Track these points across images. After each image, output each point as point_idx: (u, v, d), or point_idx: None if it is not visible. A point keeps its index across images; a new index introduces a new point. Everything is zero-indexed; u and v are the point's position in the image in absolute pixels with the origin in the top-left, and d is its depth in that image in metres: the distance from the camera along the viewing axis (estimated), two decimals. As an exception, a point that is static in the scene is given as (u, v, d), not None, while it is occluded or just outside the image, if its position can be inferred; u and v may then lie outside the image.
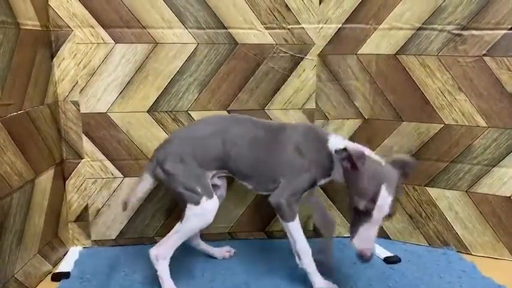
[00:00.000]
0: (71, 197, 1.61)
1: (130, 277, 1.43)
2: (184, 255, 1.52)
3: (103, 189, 1.62)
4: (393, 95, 1.62)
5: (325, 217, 1.50)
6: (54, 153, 1.51)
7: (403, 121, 1.63)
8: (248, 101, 1.62)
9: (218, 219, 1.67)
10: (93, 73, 1.53)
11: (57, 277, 1.43)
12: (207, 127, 1.38)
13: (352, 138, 1.67)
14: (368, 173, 1.15)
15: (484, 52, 1.50)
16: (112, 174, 1.61)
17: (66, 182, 1.59)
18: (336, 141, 1.29)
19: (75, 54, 1.52)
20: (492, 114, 1.53)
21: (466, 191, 1.60)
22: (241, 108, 1.61)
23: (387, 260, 1.55)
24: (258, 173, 1.35)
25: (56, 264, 1.52)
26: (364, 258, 1.15)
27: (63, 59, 1.51)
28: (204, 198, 1.27)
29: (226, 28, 1.55)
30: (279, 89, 1.63)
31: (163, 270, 1.30)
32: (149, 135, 1.60)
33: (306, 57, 1.61)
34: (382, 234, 1.72)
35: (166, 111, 1.59)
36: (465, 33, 1.50)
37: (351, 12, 1.58)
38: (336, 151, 1.23)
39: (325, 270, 1.34)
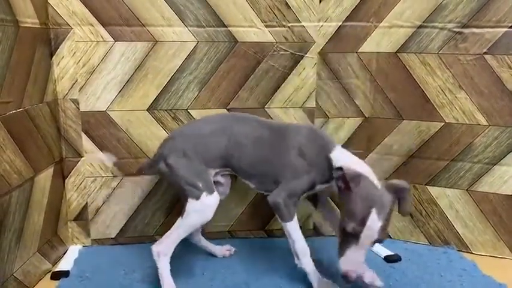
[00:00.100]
0: (70, 196, 1.61)
1: (130, 276, 1.43)
2: (184, 254, 1.52)
3: (103, 188, 1.61)
4: (394, 93, 1.62)
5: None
6: (53, 151, 1.51)
7: (403, 119, 1.62)
8: (248, 99, 1.62)
9: (218, 217, 1.67)
10: (93, 71, 1.53)
11: (57, 276, 1.43)
12: (211, 125, 1.38)
13: (352, 137, 1.68)
14: (360, 195, 1.14)
15: (484, 50, 1.49)
16: (112, 172, 1.61)
17: (66, 181, 1.59)
18: (340, 156, 1.28)
19: (75, 52, 1.51)
20: (493, 112, 1.52)
21: (467, 190, 1.59)
22: (241, 107, 1.61)
23: (388, 259, 1.55)
24: (261, 172, 1.35)
25: (55, 263, 1.51)
26: (347, 279, 1.15)
27: (63, 57, 1.51)
28: (204, 194, 1.27)
29: (226, 26, 1.54)
30: (279, 87, 1.62)
31: (164, 267, 1.30)
32: (149, 134, 1.59)
33: (306, 55, 1.60)
34: (383, 233, 1.72)
35: (166, 110, 1.59)
36: (466, 31, 1.50)
37: (351, 10, 1.57)
38: (334, 169, 1.23)
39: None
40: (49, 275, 1.44)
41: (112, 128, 1.57)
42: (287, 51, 1.59)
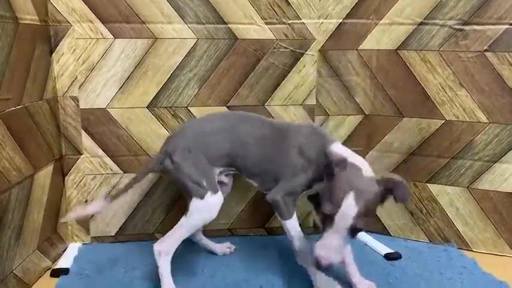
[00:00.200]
0: (70, 193, 1.60)
1: (129, 273, 1.43)
2: (184, 251, 1.51)
3: (102, 185, 1.61)
4: (394, 90, 1.61)
5: None
6: (53, 148, 1.51)
7: (403, 117, 1.62)
8: (248, 96, 1.61)
9: (218, 215, 1.66)
10: (93, 68, 1.53)
11: (56, 273, 1.42)
12: (216, 123, 1.37)
13: (352, 134, 1.68)
14: (342, 178, 1.12)
15: (485, 47, 1.49)
16: (111, 170, 1.61)
17: (66, 178, 1.59)
18: (336, 151, 1.27)
19: (74, 50, 1.51)
20: (493, 109, 1.52)
21: (467, 187, 1.59)
22: (241, 104, 1.61)
23: (388, 257, 1.54)
24: (263, 171, 1.34)
25: (55, 260, 1.51)
26: (318, 264, 1.11)
27: (62, 54, 1.51)
28: (209, 193, 1.27)
29: (226, 23, 1.54)
30: (279, 85, 1.62)
31: (164, 266, 1.29)
32: (149, 131, 1.59)
33: (307, 52, 1.60)
34: (383, 231, 1.72)
35: (165, 107, 1.58)
36: (467, 28, 1.49)
37: (352, 7, 1.57)
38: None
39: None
40: (49, 272, 1.44)
41: (112, 126, 1.57)
42: (287, 48, 1.58)
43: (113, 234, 1.66)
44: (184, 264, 1.46)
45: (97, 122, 1.56)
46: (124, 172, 1.61)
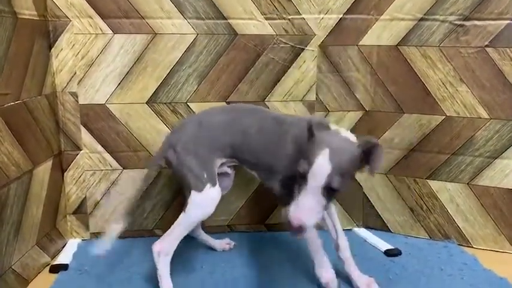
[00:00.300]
0: (69, 189, 1.60)
1: (129, 269, 1.42)
2: (183, 247, 1.50)
3: (102, 181, 1.61)
4: (394, 86, 1.61)
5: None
6: (52, 144, 1.50)
7: (404, 113, 1.61)
8: (248, 92, 1.61)
9: (218, 211, 1.65)
10: (92, 64, 1.52)
11: (56, 269, 1.42)
12: (220, 115, 1.37)
13: (352, 131, 1.64)
14: (319, 138, 1.09)
15: (486, 43, 1.48)
16: (111, 166, 1.60)
17: (65, 174, 1.58)
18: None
19: (74, 45, 1.50)
20: (494, 105, 1.51)
21: (468, 184, 1.58)
22: (241, 100, 1.60)
23: (388, 253, 1.54)
24: (263, 162, 1.34)
25: (54, 256, 1.51)
26: (289, 226, 1.04)
27: (61, 49, 1.50)
28: (208, 185, 1.26)
29: (225, 18, 1.53)
30: (279, 81, 1.61)
31: (163, 268, 1.26)
32: (148, 127, 1.59)
33: (307, 48, 1.59)
34: (383, 227, 1.72)
35: (165, 103, 1.58)
36: (467, 23, 1.48)
37: (352, 2, 1.56)
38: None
39: None
40: (48, 268, 1.44)
41: (111, 121, 1.57)
42: (287, 44, 1.58)
43: (112, 231, 1.65)
44: (184, 260, 1.46)
45: (96, 118, 1.56)
46: (123, 168, 1.60)
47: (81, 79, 1.53)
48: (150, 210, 1.65)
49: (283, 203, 1.23)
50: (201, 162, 1.28)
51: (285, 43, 1.58)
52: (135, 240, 1.62)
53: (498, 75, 1.49)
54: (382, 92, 1.62)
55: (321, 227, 1.69)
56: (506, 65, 1.47)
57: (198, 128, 1.32)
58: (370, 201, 1.72)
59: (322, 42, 1.59)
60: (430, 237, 1.66)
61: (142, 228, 1.66)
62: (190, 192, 1.27)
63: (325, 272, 1.28)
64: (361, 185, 1.72)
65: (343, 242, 1.33)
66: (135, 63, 1.53)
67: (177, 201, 1.62)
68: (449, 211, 1.62)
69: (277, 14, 1.55)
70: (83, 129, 1.56)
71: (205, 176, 1.26)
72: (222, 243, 1.57)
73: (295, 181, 1.10)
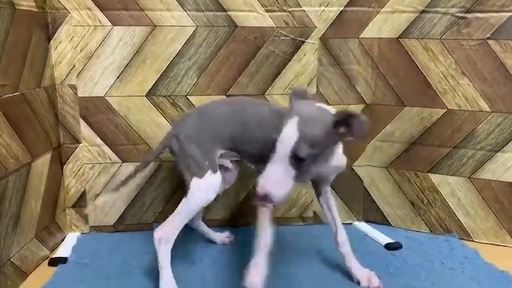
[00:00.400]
0: (68, 182, 1.59)
1: (128, 263, 1.42)
2: (184, 240, 1.50)
3: (101, 175, 1.60)
4: (395, 79, 1.60)
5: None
6: (51, 137, 1.49)
7: (405, 106, 1.60)
8: (248, 85, 1.60)
9: (218, 205, 1.66)
10: (91, 56, 1.51)
11: (55, 262, 1.42)
12: (224, 107, 1.37)
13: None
14: (293, 108, 1.07)
15: (488, 35, 1.47)
16: (110, 159, 1.59)
17: (64, 167, 1.58)
18: None
19: (72, 37, 1.49)
20: (496, 98, 1.50)
21: (469, 177, 1.58)
22: (241, 93, 1.59)
23: (388, 247, 1.53)
24: (262, 155, 1.33)
25: (53, 249, 1.50)
26: (256, 194, 1.02)
27: (60, 41, 1.49)
28: (209, 172, 1.26)
29: (225, 10, 1.52)
30: (279, 74, 1.60)
31: (164, 256, 1.25)
32: (147, 120, 1.58)
33: (307, 40, 1.58)
34: (384, 221, 1.71)
35: (164, 96, 1.57)
36: (469, 16, 1.47)
37: (353, -6, 1.55)
38: None
39: None
40: (47, 261, 1.43)
41: (110, 114, 1.56)
42: (288, 36, 1.57)
43: (112, 224, 1.65)
44: (184, 253, 1.45)
45: (95, 111, 1.55)
46: (123, 161, 1.60)
47: (80, 72, 1.52)
48: (150, 204, 1.65)
49: None
50: (203, 151, 1.28)
51: (286, 36, 1.57)
52: (135, 233, 1.62)
53: (500, 68, 1.48)
54: (383, 85, 1.61)
55: (321, 220, 1.70)
56: (508, 57, 1.46)
57: (201, 119, 1.32)
58: (370, 195, 1.72)
59: (322, 34, 1.58)
60: (431, 231, 1.65)
61: (142, 222, 1.65)
62: (191, 179, 1.27)
63: (256, 275, 1.16)
64: (361, 179, 1.71)
65: (343, 237, 1.32)
66: (134, 55, 1.52)
67: (177, 195, 1.61)
68: (450, 205, 1.61)
69: (277, 6, 1.54)
70: (82, 122, 1.55)
71: (206, 163, 1.27)
72: (222, 236, 1.57)
73: None
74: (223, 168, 1.36)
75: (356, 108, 1.64)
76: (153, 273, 1.31)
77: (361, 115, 1.03)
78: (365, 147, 1.68)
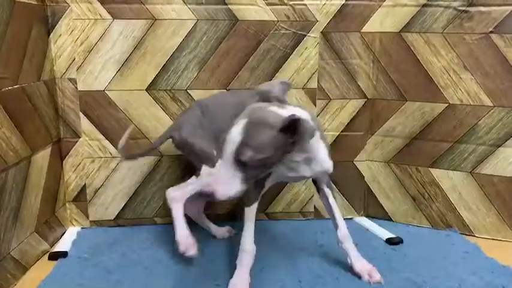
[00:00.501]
0: (68, 177, 1.59)
1: (128, 257, 1.41)
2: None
3: (101, 169, 1.60)
4: (397, 74, 1.59)
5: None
6: (51, 131, 1.49)
7: (406, 101, 1.59)
8: (249, 79, 1.59)
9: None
10: (91, 50, 1.51)
11: (55, 256, 1.41)
12: (230, 98, 1.38)
13: (354, 119, 1.65)
14: (246, 111, 1.04)
15: (490, 29, 1.46)
16: (110, 153, 1.59)
17: (64, 161, 1.57)
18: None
19: (72, 31, 1.49)
20: (498, 93, 1.49)
21: (470, 172, 1.57)
22: (242, 88, 1.58)
23: (389, 241, 1.53)
24: None
25: (53, 243, 1.50)
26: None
27: (60, 35, 1.48)
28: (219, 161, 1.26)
29: (226, 4, 1.51)
30: (280, 68, 1.59)
31: (176, 210, 1.35)
32: (147, 114, 1.57)
33: (308, 34, 1.57)
34: (385, 216, 1.70)
35: (165, 90, 1.56)
36: (472, 9, 1.46)
37: (355, -12, 1.54)
38: None
39: None
40: (47, 255, 1.42)
41: (110, 108, 1.55)
42: (289, 30, 1.56)
43: (112, 218, 1.64)
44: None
45: (95, 105, 1.54)
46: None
47: (80, 65, 1.51)
48: (151, 199, 1.64)
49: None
50: (209, 141, 1.30)
51: (287, 29, 1.56)
52: (135, 228, 1.62)
53: (502, 62, 1.47)
54: (385, 80, 1.61)
55: (321, 215, 1.70)
56: (511, 51, 1.45)
57: (203, 111, 1.33)
58: (371, 189, 1.71)
59: (324, 28, 1.57)
60: (432, 226, 1.65)
61: (142, 217, 1.65)
62: (201, 167, 1.32)
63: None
64: (362, 174, 1.70)
65: (342, 232, 1.30)
66: (134, 49, 1.52)
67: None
68: (451, 200, 1.61)
69: (278, 0, 1.53)
70: (82, 116, 1.55)
71: (215, 153, 1.28)
72: (222, 231, 1.56)
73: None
74: None
75: (357, 102, 1.64)
76: (153, 268, 1.31)
77: (304, 120, 0.99)
78: (366, 142, 1.67)
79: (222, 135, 1.11)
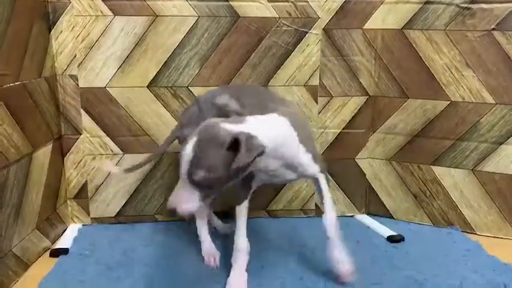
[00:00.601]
0: (69, 174, 1.59)
1: (129, 254, 1.41)
2: (184, 232, 1.51)
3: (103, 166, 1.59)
4: (399, 71, 1.58)
5: None
6: (52, 127, 1.48)
7: (408, 98, 1.59)
8: (250, 76, 1.58)
9: (220, 196, 1.65)
10: (92, 46, 1.50)
11: (56, 253, 1.41)
12: (225, 91, 1.37)
13: (356, 116, 1.65)
14: (198, 128, 1.02)
15: (493, 26, 1.45)
16: (111, 150, 1.59)
17: (65, 158, 1.57)
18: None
19: (73, 27, 1.48)
20: (500, 90, 1.49)
21: (472, 170, 1.56)
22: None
23: (390, 239, 1.52)
24: None
25: (55, 240, 1.50)
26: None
27: (61, 31, 1.48)
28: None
29: (227, 0, 1.51)
30: (282, 65, 1.59)
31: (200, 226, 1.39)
32: (149, 111, 1.57)
33: (310, 31, 1.56)
34: (386, 214, 1.70)
35: (166, 87, 1.56)
36: (474, 6, 1.46)
37: (356, -16, 1.54)
38: None
39: None
40: (48, 252, 1.42)
41: (112, 105, 1.55)
42: (290, 27, 1.55)
43: (113, 216, 1.64)
44: (186, 244, 1.45)
45: (97, 102, 1.54)
46: (124, 153, 1.59)
47: (81, 62, 1.51)
48: (152, 196, 1.64)
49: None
50: None
51: (288, 26, 1.55)
52: (136, 225, 1.62)
53: (505, 59, 1.46)
54: (387, 77, 1.60)
55: (322, 213, 1.69)
56: (513, 49, 1.45)
57: (199, 107, 1.32)
58: (373, 187, 1.71)
59: (326, 25, 1.56)
60: (434, 224, 1.65)
61: (143, 214, 1.65)
62: None
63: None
64: (364, 171, 1.70)
65: (328, 221, 1.22)
66: (135, 46, 1.51)
67: (178, 187, 1.61)
68: (453, 197, 1.60)
69: (280, -4, 1.52)
70: (83, 113, 1.54)
71: None
72: (224, 227, 1.56)
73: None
74: None
75: (359, 100, 1.63)
76: (154, 265, 1.31)
77: (250, 137, 0.96)
78: (367, 139, 1.67)
79: None
